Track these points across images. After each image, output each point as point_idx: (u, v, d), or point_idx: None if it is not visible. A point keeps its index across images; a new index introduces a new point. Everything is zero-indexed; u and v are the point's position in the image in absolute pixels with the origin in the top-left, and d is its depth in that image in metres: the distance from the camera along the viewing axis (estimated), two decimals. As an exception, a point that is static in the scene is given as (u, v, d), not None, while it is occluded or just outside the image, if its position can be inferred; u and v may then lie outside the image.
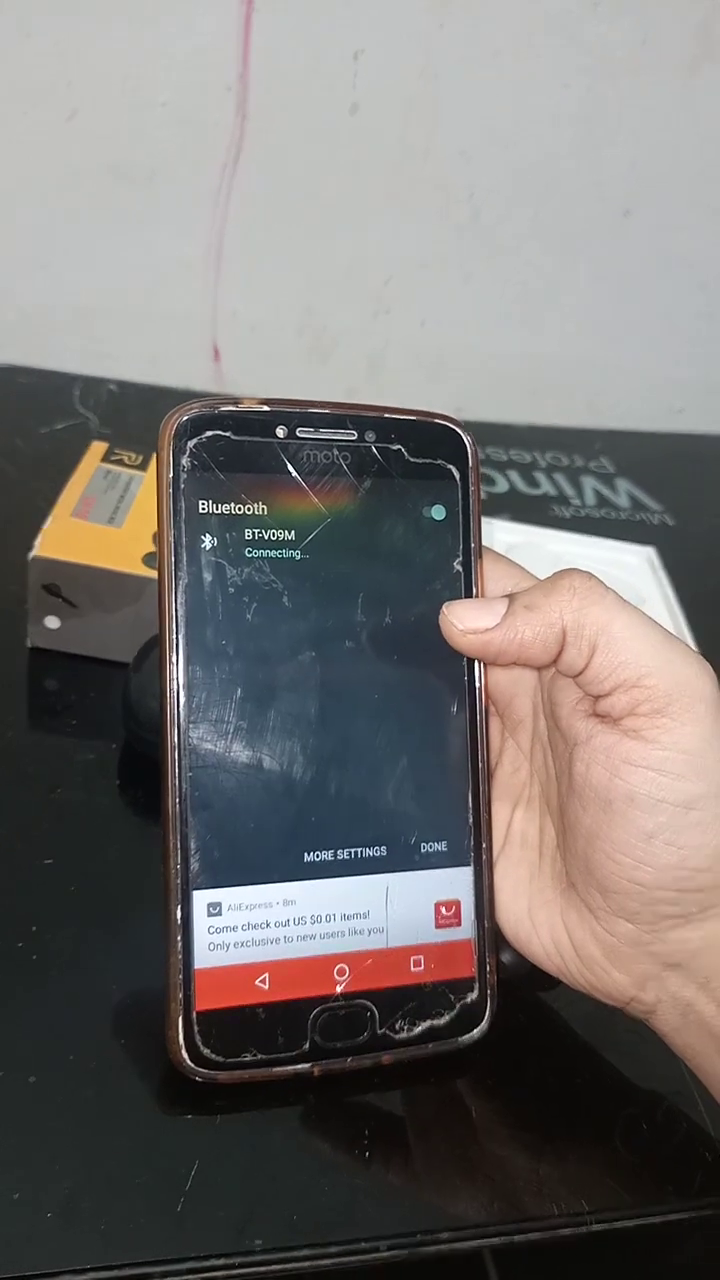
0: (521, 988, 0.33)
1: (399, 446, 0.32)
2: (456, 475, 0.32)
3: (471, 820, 0.32)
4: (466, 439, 0.32)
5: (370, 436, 0.31)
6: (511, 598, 0.30)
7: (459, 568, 0.32)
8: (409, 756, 0.31)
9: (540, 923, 0.31)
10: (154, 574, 0.42)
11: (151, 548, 0.43)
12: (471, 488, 0.32)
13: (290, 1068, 0.29)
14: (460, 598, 0.31)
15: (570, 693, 0.30)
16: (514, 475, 0.69)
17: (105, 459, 0.49)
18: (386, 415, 0.32)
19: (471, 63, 0.67)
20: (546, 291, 0.77)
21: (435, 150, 0.69)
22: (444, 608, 0.30)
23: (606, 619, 0.28)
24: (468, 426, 0.32)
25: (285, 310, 0.73)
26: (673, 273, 0.78)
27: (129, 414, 0.63)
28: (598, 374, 0.81)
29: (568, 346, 0.79)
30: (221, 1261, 0.26)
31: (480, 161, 0.70)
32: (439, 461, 0.32)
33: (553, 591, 0.29)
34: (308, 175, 0.68)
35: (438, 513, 0.32)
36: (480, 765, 0.32)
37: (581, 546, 0.54)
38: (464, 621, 0.30)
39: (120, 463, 0.49)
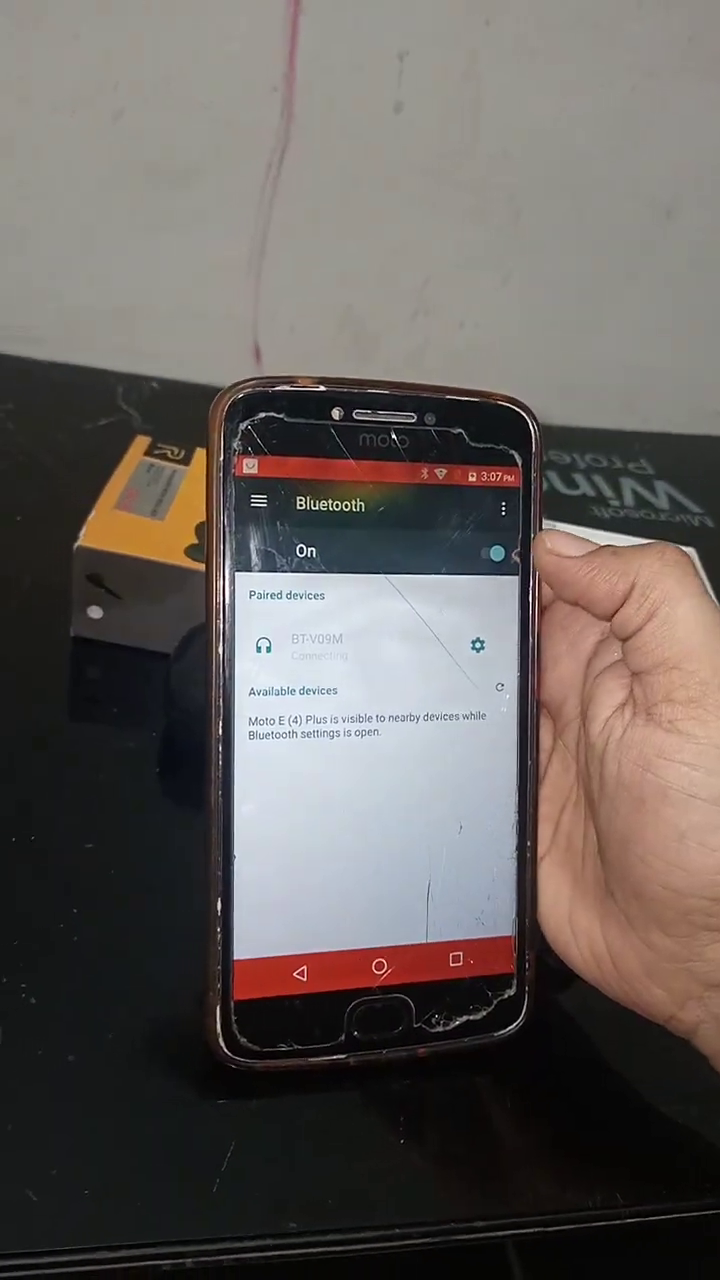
0: (561, 981, 0.33)
1: (459, 430, 0.31)
2: (519, 461, 0.31)
3: (516, 818, 0.31)
4: (531, 423, 0.31)
5: (430, 419, 0.30)
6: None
7: (517, 559, 0.32)
8: (456, 751, 0.31)
9: (580, 930, 0.31)
10: (195, 565, 0.43)
11: (193, 540, 0.44)
12: (534, 474, 0.32)
13: (326, 1058, 0.29)
14: (519, 589, 0.32)
15: (611, 694, 0.30)
16: (552, 476, 0.69)
17: (148, 453, 0.49)
18: (448, 396, 0.31)
19: (514, 62, 0.67)
20: (586, 292, 0.77)
21: (477, 150, 0.69)
22: (542, 531, 0.31)
23: (678, 593, 0.28)
24: (531, 409, 0.31)
25: (326, 310, 0.74)
26: (715, 274, 0.77)
27: (170, 411, 0.64)
28: (637, 375, 0.81)
29: (606, 347, 0.79)
30: (255, 1242, 0.26)
31: (522, 161, 0.70)
32: (501, 446, 0.31)
33: (642, 549, 0.29)
34: (350, 176, 0.68)
35: (498, 501, 0.31)
36: (528, 764, 0.32)
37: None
38: (553, 542, 0.31)
39: (163, 457, 0.49)
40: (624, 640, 0.29)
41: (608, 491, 0.68)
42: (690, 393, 0.82)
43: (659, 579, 0.29)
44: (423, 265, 0.74)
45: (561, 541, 0.31)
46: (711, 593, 0.51)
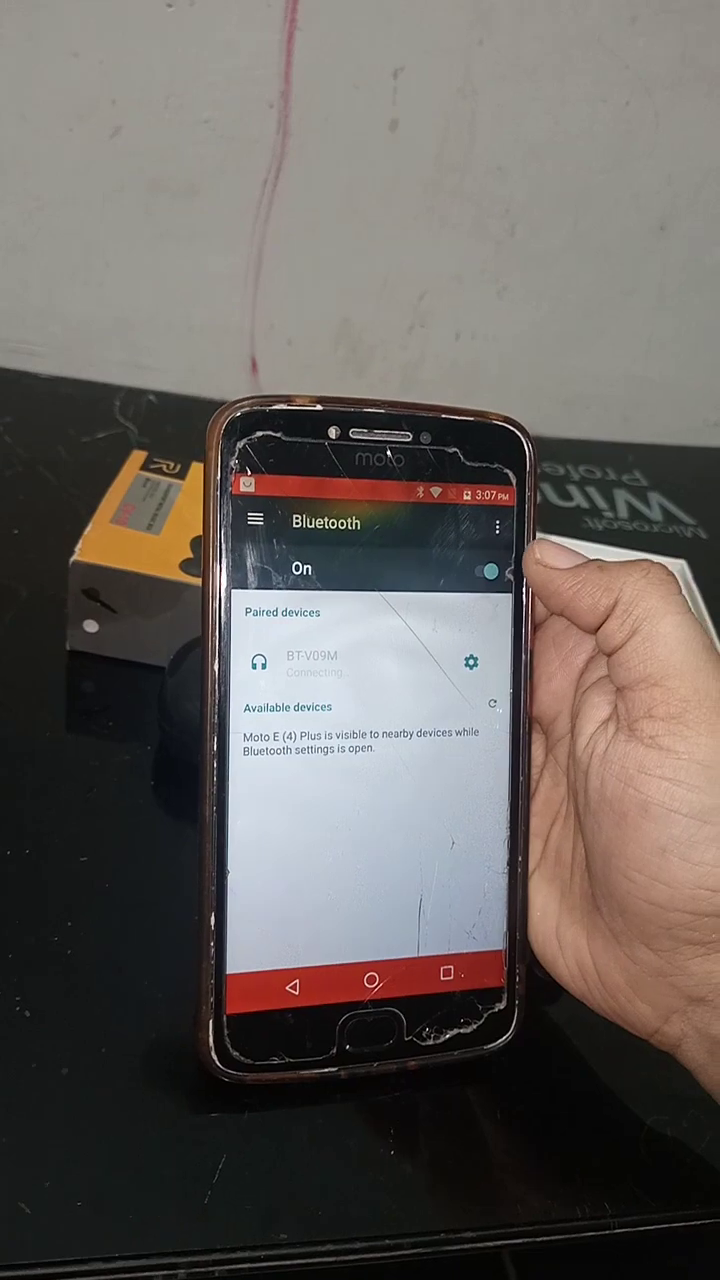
0: (550, 993, 0.34)
1: (455, 449, 0.31)
2: (514, 479, 0.32)
3: (508, 833, 0.32)
4: (526, 442, 0.32)
5: (426, 438, 0.31)
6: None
7: (511, 577, 0.32)
8: (449, 767, 0.31)
9: (567, 944, 0.31)
10: (191, 580, 0.43)
11: (188, 554, 0.44)
12: (529, 493, 0.32)
13: (317, 1071, 0.30)
14: (512, 607, 0.32)
15: (597, 709, 0.30)
16: (547, 488, 0.69)
17: (144, 467, 0.50)
18: (443, 416, 0.31)
19: (509, 79, 0.67)
20: (581, 305, 0.77)
21: (472, 165, 0.70)
22: (534, 541, 0.32)
23: (661, 610, 0.29)
24: (526, 429, 0.32)
25: (323, 323, 0.74)
26: (709, 286, 0.78)
27: (168, 425, 0.64)
28: (633, 387, 0.81)
29: (602, 360, 0.79)
30: (246, 1254, 0.27)
31: (517, 176, 0.71)
32: (496, 465, 0.32)
33: (627, 565, 0.30)
34: (346, 190, 0.69)
35: (493, 519, 0.32)
36: (520, 780, 0.32)
37: (613, 558, 0.54)
38: (542, 553, 0.31)
39: (159, 471, 0.49)
40: (608, 655, 0.30)
41: (601, 503, 0.69)
42: (685, 405, 0.82)
43: (642, 595, 0.29)
44: (419, 278, 0.74)
45: (550, 552, 0.31)
46: (704, 608, 0.52)
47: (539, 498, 0.67)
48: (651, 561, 0.30)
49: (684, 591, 0.52)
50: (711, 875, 0.27)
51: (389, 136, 0.67)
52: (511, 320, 0.77)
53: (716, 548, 0.66)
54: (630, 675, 0.29)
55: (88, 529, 0.44)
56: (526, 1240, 0.28)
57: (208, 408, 0.29)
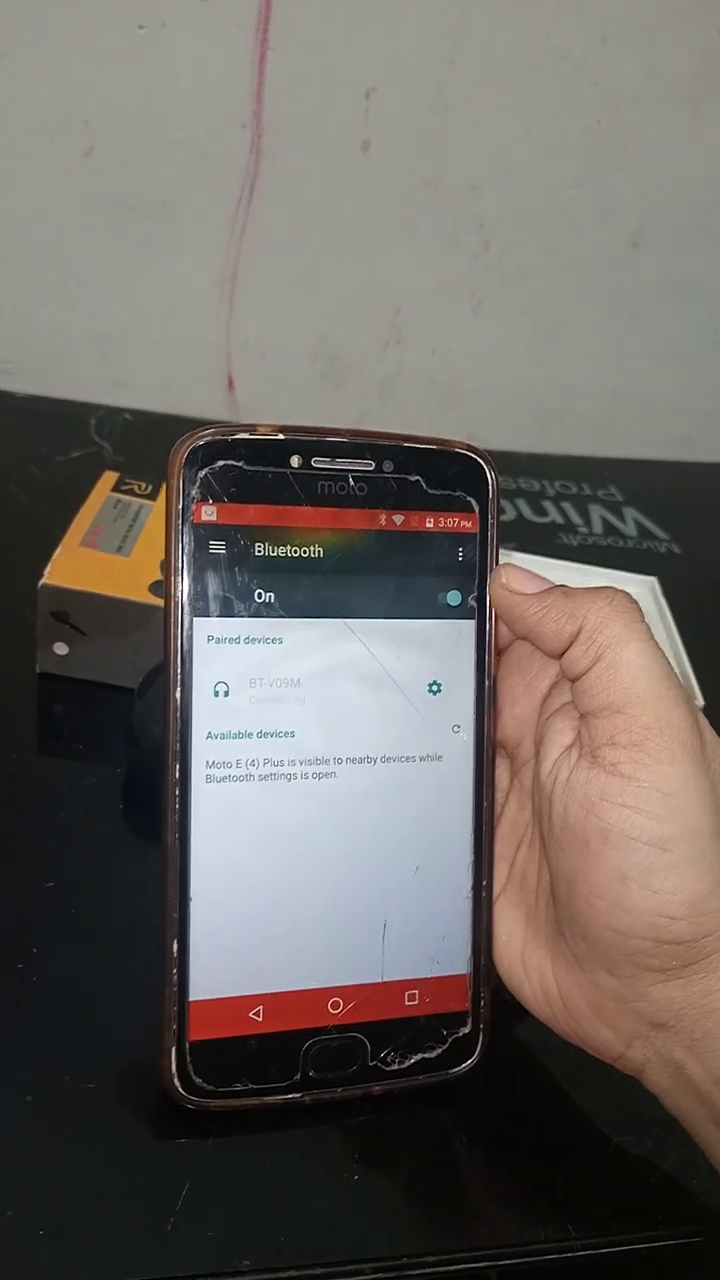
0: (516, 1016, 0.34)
1: (417, 477, 0.31)
2: (476, 508, 0.32)
3: (472, 858, 0.32)
4: (488, 470, 0.32)
5: (388, 467, 0.31)
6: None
7: (474, 603, 0.32)
8: (413, 793, 0.31)
9: (532, 968, 0.31)
10: (159, 602, 0.43)
11: (158, 576, 0.44)
12: (491, 520, 0.32)
13: (281, 1097, 0.30)
14: (475, 633, 0.32)
15: (560, 735, 0.30)
16: (522, 504, 0.70)
17: (116, 488, 0.50)
18: (405, 445, 0.31)
19: (481, 97, 0.68)
20: (556, 320, 0.78)
21: (445, 183, 0.70)
22: (500, 566, 0.32)
23: (624, 637, 0.29)
24: (489, 456, 0.32)
25: (298, 339, 0.75)
26: (682, 299, 0.79)
27: (143, 443, 0.64)
28: (608, 401, 0.82)
29: (577, 374, 0.80)
30: (209, 1281, 0.27)
31: (490, 193, 0.71)
32: (458, 493, 0.32)
33: (592, 593, 0.30)
34: (321, 208, 0.69)
35: (455, 546, 0.32)
36: (484, 805, 0.32)
37: (584, 576, 0.54)
38: (508, 578, 0.32)
39: (130, 492, 0.50)
40: (571, 681, 0.30)
41: (576, 519, 0.69)
42: (659, 418, 0.83)
43: (606, 623, 0.29)
44: (394, 294, 0.75)
45: (516, 577, 0.32)
46: (673, 625, 0.52)
47: (511, 515, 0.68)
48: (616, 589, 0.30)
49: (654, 607, 0.53)
50: (671, 903, 0.27)
51: (362, 156, 0.68)
52: (486, 335, 0.77)
53: (689, 563, 0.66)
54: (593, 702, 0.29)
55: (57, 552, 0.44)
56: (489, 1264, 0.29)
57: (184, 425, 0.29)
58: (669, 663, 0.29)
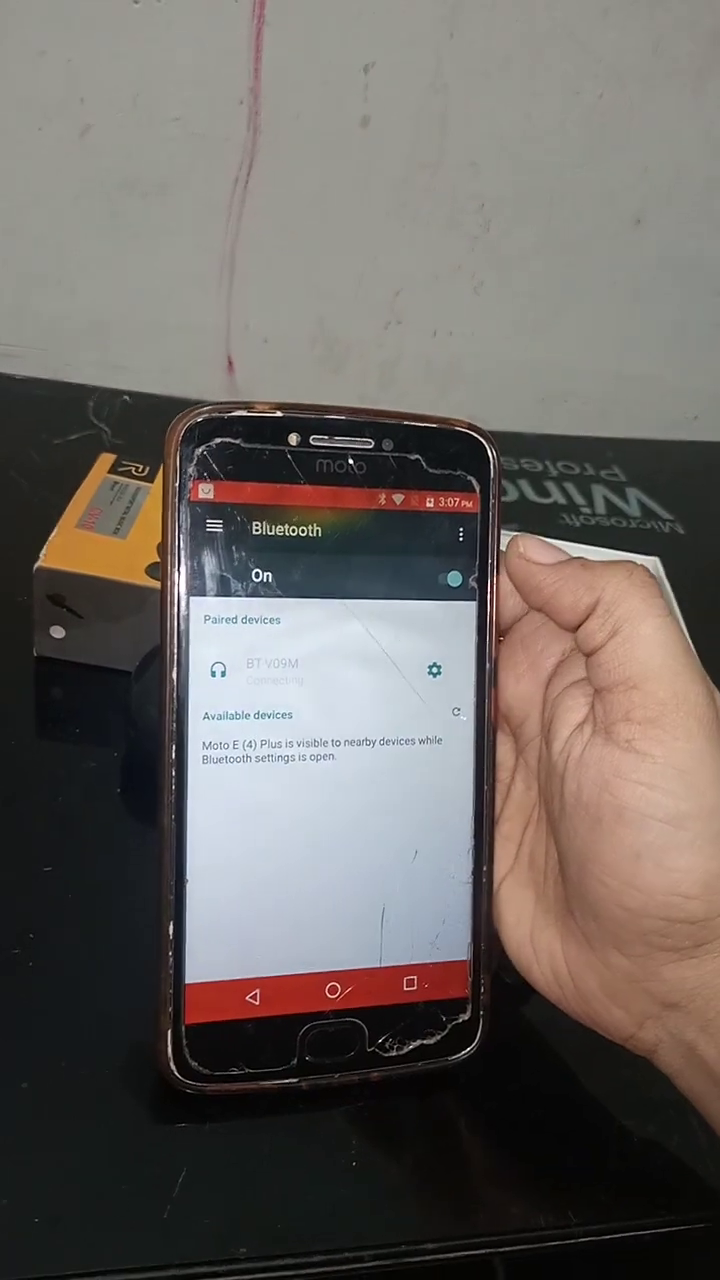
0: (518, 998, 0.33)
1: (417, 456, 0.31)
2: (477, 487, 0.31)
3: (473, 842, 0.31)
4: (489, 448, 0.31)
5: (388, 445, 0.30)
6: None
7: (474, 584, 0.31)
8: (412, 776, 0.31)
9: (541, 949, 0.31)
10: (156, 584, 0.42)
11: (155, 558, 0.44)
12: (493, 500, 0.31)
13: (278, 1082, 0.30)
14: (476, 614, 0.32)
15: (572, 712, 0.30)
16: (524, 484, 0.69)
17: (113, 470, 0.49)
18: (405, 423, 0.31)
19: (481, 73, 0.67)
20: (558, 300, 0.77)
21: (445, 161, 0.70)
22: (517, 535, 0.31)
23: (642, 611, 0.28)
24: (490, 435, 0.31)
25: (298, 322, 0.74)
26: (685, 279, 0.78)
27: (141, 425, 0.64)
28: (611, 382, 0.81)
29: (580, 355, 0.79)
30: (206, 1269, 0.27)
31: (490, 172, 0.71)
32: (459, 472, 0.31)
33: (610, 566, 0.29)
34: (319, 188, 0.69)
35: (456, 527, 0.31)
36: (484, 788, 0.31)
37: (587, 556, 0.53)
38: (525, 547, 0.31)
39: (128, 474, 0.49)
40: (587, 655, 0.29)
41: (579, 499, 0.68)
42: (663, 399, 0.82)
43: (624, 597, 0.29)
44: (394, 276, 0.74)
45: (534, 547, 0.31)
46: (675, 605, 0.51)
47: (513, 496, 0.67)
48: (634, 563, 0.30)
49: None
50: (685, 881, 0.27)
51: (361, 133, 0.67)
52: (487, 316, 0.76)
53: (693, 543, 0.66)
54: (609, 677, 0.28)
55: (53, 534, 0.44)
56: (490, 1251, 0.28)
57: (182, 408, 0.29)
58: (686, 638, 0.29)
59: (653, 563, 0.54)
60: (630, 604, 0.29)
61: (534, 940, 0.31)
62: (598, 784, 0.28)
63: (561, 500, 0.68)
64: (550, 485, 0.70)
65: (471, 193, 0.71)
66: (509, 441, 0.76)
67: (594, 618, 0.29)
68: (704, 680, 0.28)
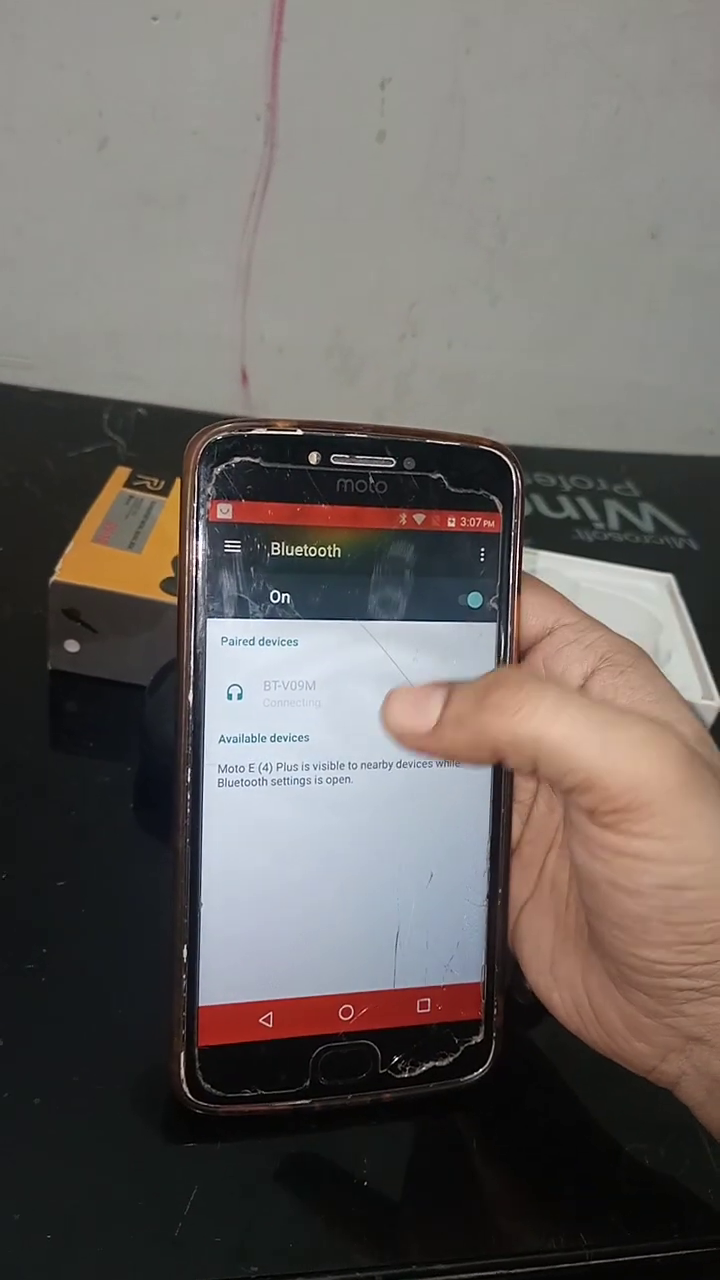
0: (530, 1020, 0.33)
1: (439, 475, 0.30)
2: (500, 507, 0.31)
3: (488, 865, 0.31)
4: (513, 467, 0.31)
5: (409, 464, 0.30)
6: (449, 693, 0.27)
7: (495, 605, 0.31)
8: (428, 799, 0.31)
9: (561, 979, 0.30)
10: (171, 599, 0.43)
11: (169, 573, 0.44)
12: (515, 520, 0.31)
13: (290, 1103, 0.30)
14: (496, 636, 0.31)
15: None
16: (537, 499, 0.69)
17: (128, 484, 0.49)
18: (428, 441, 0.30)
19: (498, 86, 0.67)
20: (574, 313, 0.77)
21: (462, 174, 0.70)
22: (387, 696, 0.28)
23: (543, 728, 0.26)
24: (513, 454, 0.31)
25: (313, 333, 0.74)
26: (702, 292, 0.78)
27: (156, 438, 0.64)
28: (627, 395, 0.81)
29: (595, 368, 0.79)
30: (218, 1288, 0.27)
31: (507, 184, 0.71)
32: (481, 491, 0.31)
33: (481, 706, 0.26)
34: (336, 201, 0.69)
35: (477, 547, 0.31)
36: (500, 811, 0.31)
37: (599, 573, 0.53)
38: (396, 720, 0.28)
39: (143, 488, 0.49)
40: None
41: (592, 514, 0.68)
42: (679, 412, 0.82)
43: (517, 728, 0.26)
44: (410, 287, 0.74)
45: (404, 714, 0.28)
46: (690, 623, 0.51)
47: (526, 511, 0.67)
48: (499, 679, 0.27)
49: (671, 605, 0.52)
50: (698, 931, 0.26)
51: (377, 147, 0.67)
52: (503, 328, 0.76)
53: (707, 559, 0.66)
54: (561, 788, 0.27)
55: (68, 548, 0.44)
56: (500, 1272, 0.28)
57: (197, 420, 0.29)
58: (612, 707, 0.27)
59: (668, 580, 0.54)
60: (526, 728, 0.26)
61: (554, 970, 0.30)
62: (588, 852, 0.27)
63: (575, 515, 0.68)
64: (564, 500, 0.70)
65: (488, 205, 0.71)
66: (522, 455, 0.75)
67: (508, 760, 0.27)
68: (653, 746, 0.26)
